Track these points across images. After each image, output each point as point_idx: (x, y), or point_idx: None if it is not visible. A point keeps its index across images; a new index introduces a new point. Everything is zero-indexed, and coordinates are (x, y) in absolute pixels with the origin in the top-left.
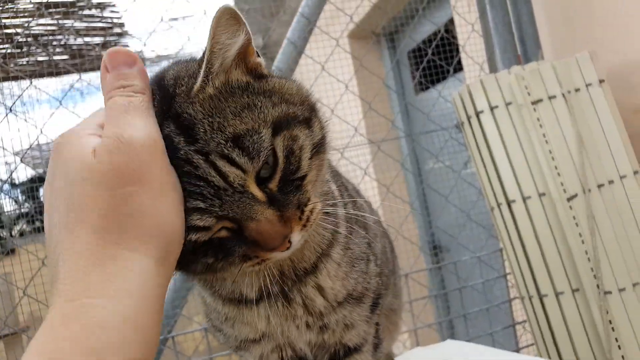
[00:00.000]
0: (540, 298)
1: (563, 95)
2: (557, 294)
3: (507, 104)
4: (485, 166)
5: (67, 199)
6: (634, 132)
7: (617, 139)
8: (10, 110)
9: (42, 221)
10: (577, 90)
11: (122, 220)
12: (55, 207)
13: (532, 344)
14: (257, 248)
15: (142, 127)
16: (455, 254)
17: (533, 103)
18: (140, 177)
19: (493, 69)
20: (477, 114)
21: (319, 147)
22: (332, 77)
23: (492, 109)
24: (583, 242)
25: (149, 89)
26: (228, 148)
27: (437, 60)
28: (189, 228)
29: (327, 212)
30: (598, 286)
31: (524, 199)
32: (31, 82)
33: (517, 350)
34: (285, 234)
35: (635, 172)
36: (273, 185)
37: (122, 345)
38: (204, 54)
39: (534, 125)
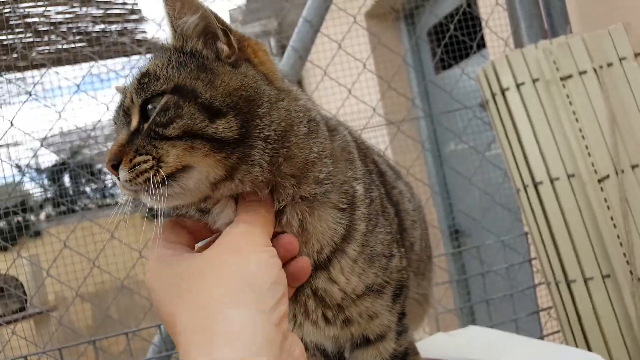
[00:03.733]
0: (568, 284)
1: (594, 70)
2: (585, 280)
3: (534, 81)
4: (511, 146)
5: None
6: None
7: None
8: (30, 94)
9: (65, 206)
10: (609, 64)
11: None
12: None
13: (557, 331)
14: None
15: None
16: (478, 239)
17: (562, 79)
18: None
19: (518, 44)
20: (503, 92)
21: (201, 138)
22: (349, 55)
23: (518, 85)
24: (615, 225)
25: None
26: (138, 80)
27: (460, 36)
28: None
29: (342, 208)
30: (631, 272)
31: (552, 181)
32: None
33: (542, 338)
34: (114, 156)
35: None
36: (147, 124)
37: None
38: None
39: (563, 102)
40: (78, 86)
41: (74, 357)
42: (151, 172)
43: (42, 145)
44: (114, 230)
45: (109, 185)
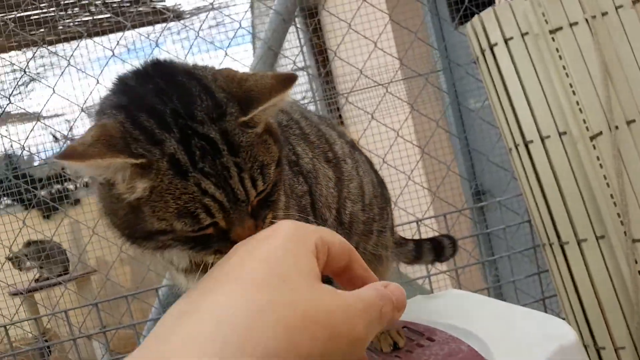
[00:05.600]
0: (561, 246)
1: (586, 20)
2: (579, 242)
3: (523, 35)
4: (501, 104)
5: None
6: None
7: None
8: (69, 63)
9: None
10: (604, 14)
11: None
12: None
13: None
14: (229, 244)
15: None
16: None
17: (551, 32)
18: None
19: None
20: (491, 47)
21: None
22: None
23: (506, 40)
24: (608, 185)
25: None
26: (257, 173)
27: None
28: (194, 218)
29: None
30: (625, 233)
31: (542, 139)
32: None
33: (543, 300)
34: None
35: None
36: (255, 201)
37: None
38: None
39: (552, 56)
40: (113, 52)
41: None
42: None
43: (82, 111)
44: None
45: None
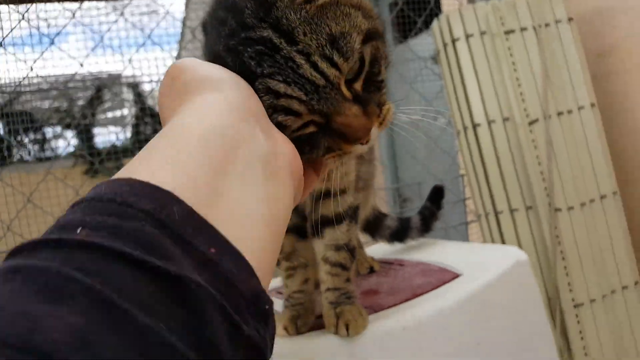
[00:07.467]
0: (496, 214)
1: (534, 28)
2: (511, 211)
3: (482, 33)
4: (455, 91)
5: None
6: (596, 74)
7: (579, 74)
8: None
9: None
10: (546, 25)
11: None
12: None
13: None
14: (342, 141)
15: None
16: (422, 187)
17: (506, 33)
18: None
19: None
20: (453, 41)
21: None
22: None
23: (467, 37)
24: (539, 164)
25: None
26: (328, 49)
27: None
28: (286, 112)
29: None
30: (549, 204)
31: (489, 123)
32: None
33: None
34: (369, 127)
35: (592, 105)
36: (358, 85)
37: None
38: None
39: (505, 53)
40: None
41: None
42: (393, 108)
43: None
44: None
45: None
